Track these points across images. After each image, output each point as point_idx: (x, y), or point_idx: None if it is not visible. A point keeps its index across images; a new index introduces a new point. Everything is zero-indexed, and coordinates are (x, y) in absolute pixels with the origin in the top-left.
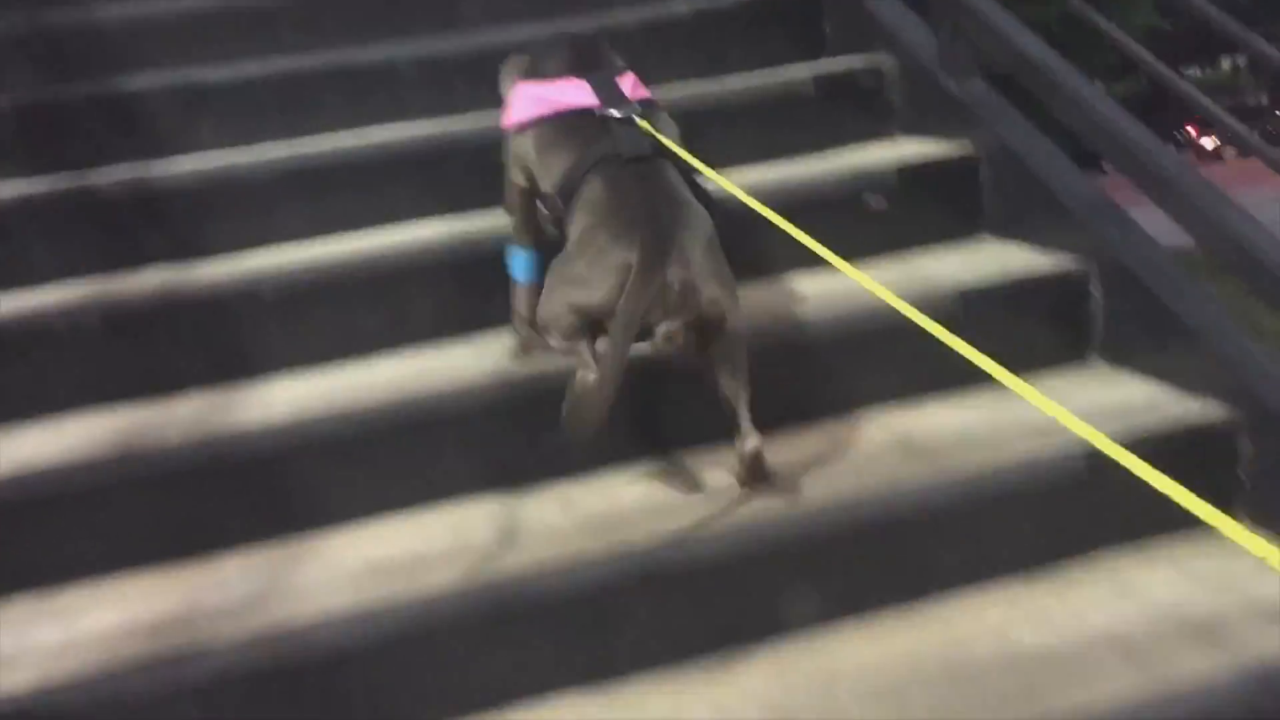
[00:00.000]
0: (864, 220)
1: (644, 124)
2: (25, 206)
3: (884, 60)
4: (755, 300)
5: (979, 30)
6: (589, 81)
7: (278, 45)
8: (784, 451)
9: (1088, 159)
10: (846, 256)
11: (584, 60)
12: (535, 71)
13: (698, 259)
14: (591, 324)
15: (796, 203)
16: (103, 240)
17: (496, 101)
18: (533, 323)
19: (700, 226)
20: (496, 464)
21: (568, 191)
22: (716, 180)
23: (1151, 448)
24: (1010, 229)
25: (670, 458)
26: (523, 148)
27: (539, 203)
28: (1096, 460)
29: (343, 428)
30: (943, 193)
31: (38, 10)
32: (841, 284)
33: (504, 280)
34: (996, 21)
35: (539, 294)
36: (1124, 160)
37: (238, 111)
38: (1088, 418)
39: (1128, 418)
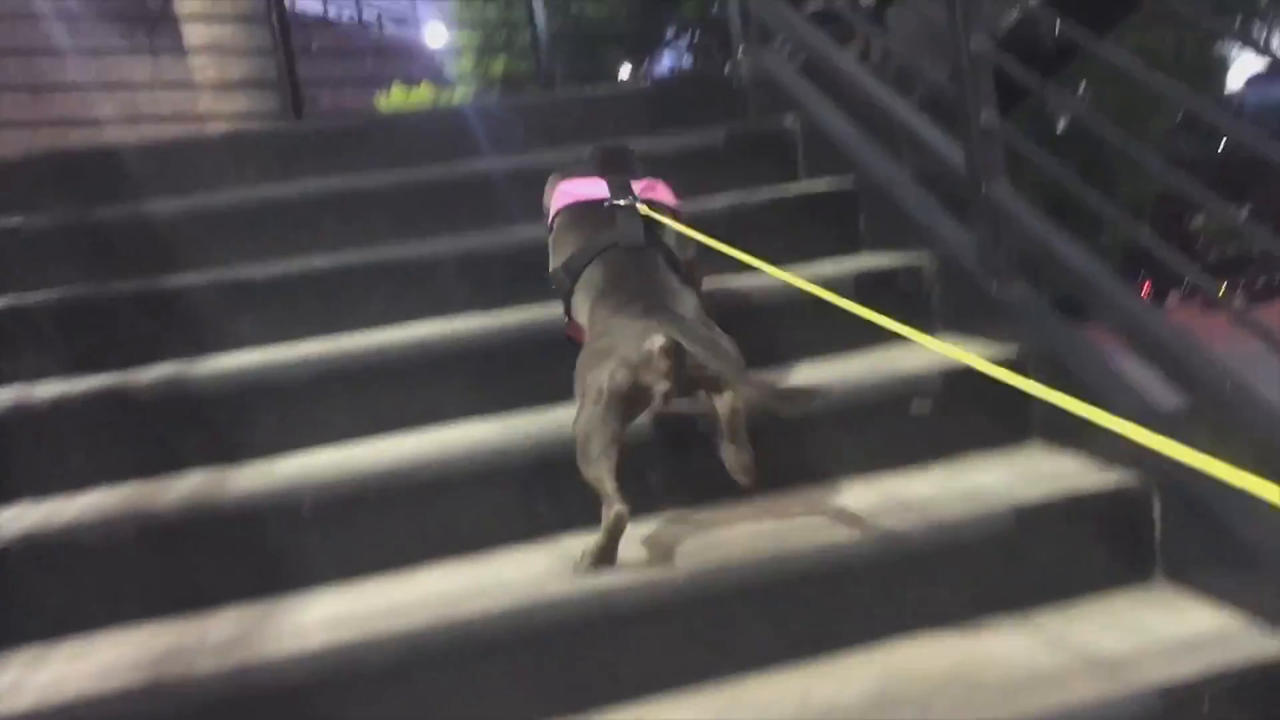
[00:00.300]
0: (909, 423)
1: (643, 208)
2: (62, 408)
3: (922, 258)
4: None
5: (1019, 235)
6: (607, 180)
7: (319, 241)
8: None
9: None
10: (891, 464)
11: (608, 164)
12: (568, 174)
13: (691, 324)
14: (622, 420)
15: (845, 409)
16: (140, 444)
17: (539, 295)
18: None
19: (686, 301)
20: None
21: (574, 271)
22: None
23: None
24: (1062, 438)
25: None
26: (559, 231)
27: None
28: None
29: (379, 656)
30: (989, 398)
31: (85, 205)
32: None
33: (552, 485)
34: (1034, 228)
35: None
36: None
37: (279, 308)
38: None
39: (1202, 652)
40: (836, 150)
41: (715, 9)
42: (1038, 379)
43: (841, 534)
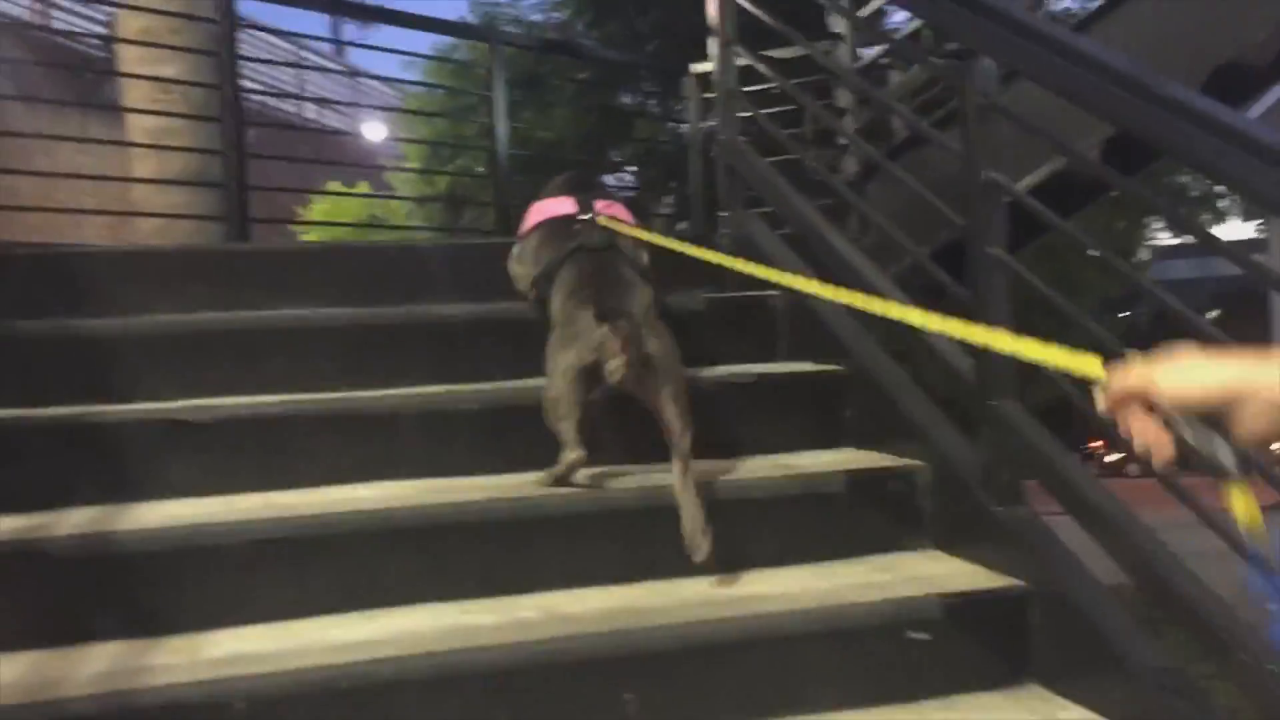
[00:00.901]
0: (904, 651)
1: (603, 220)
2: None
3: (916, 463)
4: None
5: (1026, 456)
6: (575, 198)
7: (263, 382)
8: None
9: None
10: (885, 700)
11: (575, 185)
12: (541, 195)
13: (639, 316)
14: (585, 388)
15: (832, 632)
16: (49, 609)
17: (506, 463)
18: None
19: (642, 297)
20: None
21: (549, 274)
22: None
23: None
24: (1063, 684)
25: None
26: (528, 248)
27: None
28: None
29: None
30: (987, 631)
31: (3, 314)
32: None
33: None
34: (1043, 449)
35: None
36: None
37: (217, 452)
38: None
39: None
40: (823, 332)
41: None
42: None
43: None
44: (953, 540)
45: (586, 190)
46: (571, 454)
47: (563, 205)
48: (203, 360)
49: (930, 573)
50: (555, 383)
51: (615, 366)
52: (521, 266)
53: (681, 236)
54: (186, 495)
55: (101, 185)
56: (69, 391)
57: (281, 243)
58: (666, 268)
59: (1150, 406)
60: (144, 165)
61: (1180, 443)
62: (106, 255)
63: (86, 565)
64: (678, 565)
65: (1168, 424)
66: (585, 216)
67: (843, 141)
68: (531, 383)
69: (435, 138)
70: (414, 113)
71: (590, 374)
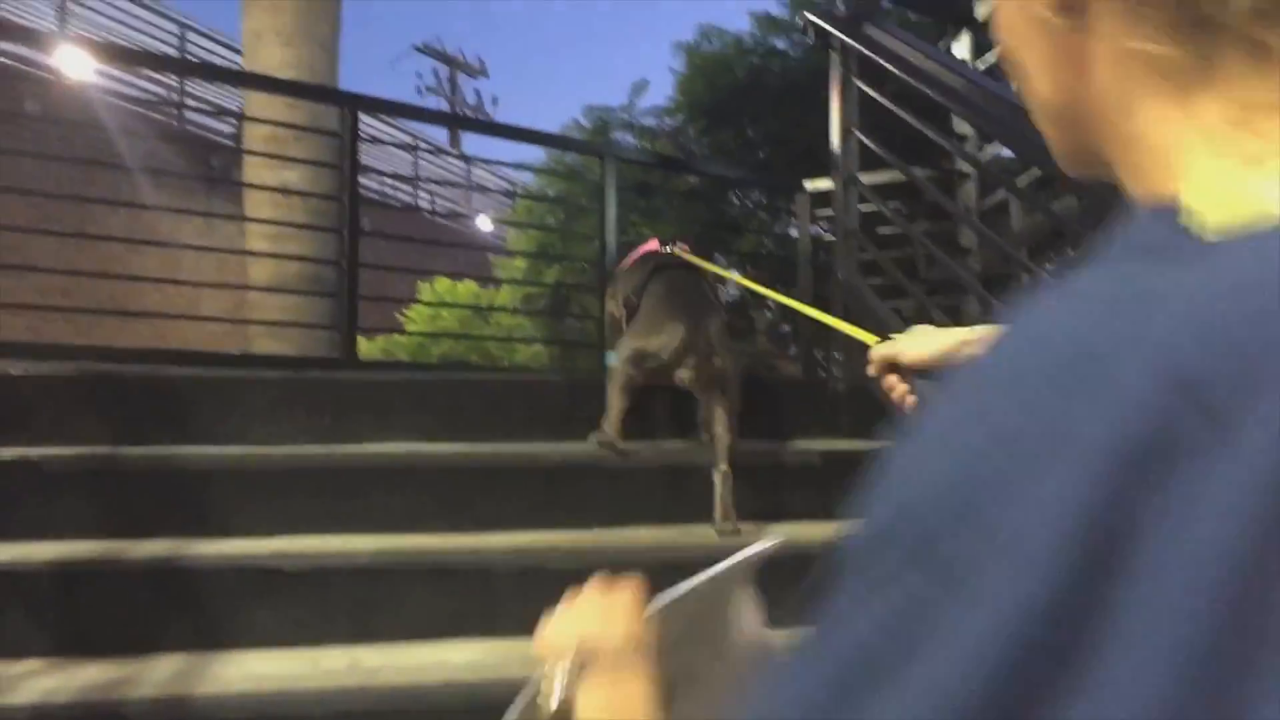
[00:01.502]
0: None
1: (680, 251)
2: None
3: None
4: None
5: None
6: (658, 239)
7: (360, 519)
8: None
9: None
10: None
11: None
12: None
13: (714, 334)
14: (643, 377)
15: None
16: None
17: None
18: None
19: (718, 315)
20: None
21: (639, 291)
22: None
23: None
24: None
25: None
26: (621, 274)
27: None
28: None
29: None
30: None
31: (113, 441)
32: None
33: None
34: None
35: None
36: None
37: (305, 598)
38: None
39: None
40: None
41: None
42: None
43: None
44: None
45: (669, 239)
46: (610, 435)
47: (650, 245)
48: (301, 494)
49: None
50: (621, 367)
51: (687, 375)
52: (615, 297)
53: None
54: (272, 645)
55: (222, 272)
56: (168, 522)
57: (386, 373)
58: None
59: (894, 368)
60: (261, 266)
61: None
62: (213, 382)
63: None
64: None
65: (906, 380)
66: (668, 249)
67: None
68: (630, 533)
69: (545, 235)
70: (522, 222)
71: (653, 368)
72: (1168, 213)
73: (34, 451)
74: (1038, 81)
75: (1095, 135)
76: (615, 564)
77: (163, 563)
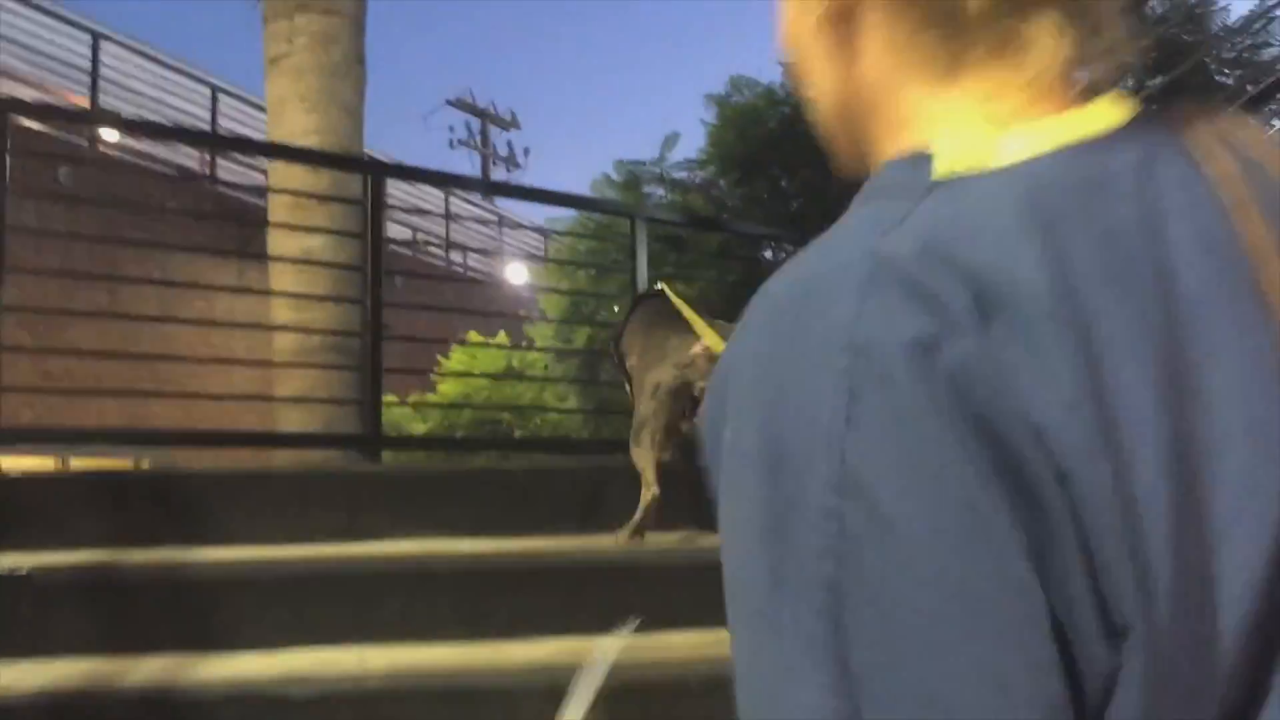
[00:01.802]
0: None
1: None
2: None
3: None
4: None
5: None
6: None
7: (377, 628)
8: None
9: None
10: None
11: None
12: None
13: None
14: (670, 413)
15: None
16: None
17: None
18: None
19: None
20: None
21: (621, 328)
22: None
23: None
24: None
25: None
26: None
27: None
28: None
29: None
30: None
31: (115, 546)
32: None
33: None
34: None
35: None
36: None
37: None
38: None
39: None
40: None
41: None
42: None
43: None
44: None
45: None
46: (648, 493)
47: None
48: (314, 603)
49: None
50: (645, 402)
51: (704, 385)
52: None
53: None
54: None
55: (250, 343)
56: (172, 635)
57: (407, 464)
58: None
59: None
60: (286, 337)
61: None
62: (228, 478)
63: None
64: None
65: None
66: (657, 286)
67: None
68: (663, 640)
69: (577, 292)
70: (551, 287)
71: (679, 393)
72: (906, 161)
73: (26, 560)
74: (819, 79)
75: (869, 124)
76: (650, 689)
77: (161, 691)
